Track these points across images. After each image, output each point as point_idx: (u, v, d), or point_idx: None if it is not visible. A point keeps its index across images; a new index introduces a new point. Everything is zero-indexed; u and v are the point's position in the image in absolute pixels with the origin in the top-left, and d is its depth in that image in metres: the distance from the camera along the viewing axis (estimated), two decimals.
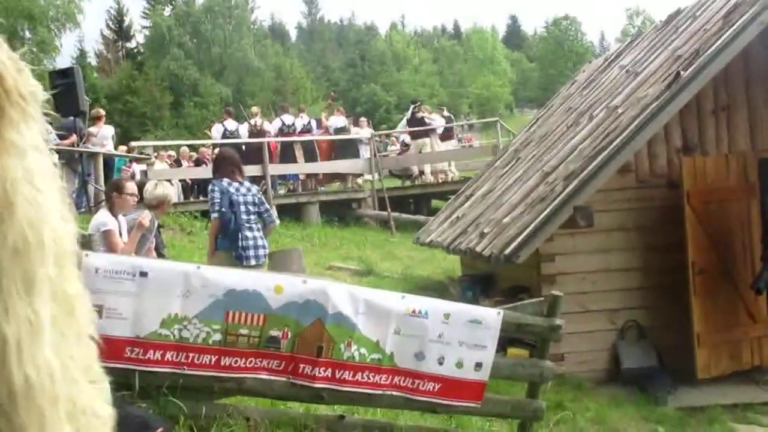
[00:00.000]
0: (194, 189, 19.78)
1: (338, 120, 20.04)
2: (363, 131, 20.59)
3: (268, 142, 17.77)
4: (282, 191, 19.38)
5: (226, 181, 7.26)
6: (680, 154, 8.88)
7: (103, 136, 14.88)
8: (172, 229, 13.74)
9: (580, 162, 8.80)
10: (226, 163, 7.49)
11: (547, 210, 8.39)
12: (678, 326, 8.57)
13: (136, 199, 7.23)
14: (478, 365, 4.93)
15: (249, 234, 7.11)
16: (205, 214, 15.05)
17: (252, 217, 7.22)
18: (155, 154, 18.34)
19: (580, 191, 8.39)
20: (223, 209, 7.08)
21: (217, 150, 19.10)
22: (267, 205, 7.48)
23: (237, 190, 7.22)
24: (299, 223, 16.71)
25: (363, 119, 23.06)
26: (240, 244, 7.04)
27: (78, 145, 13.62)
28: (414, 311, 4.73)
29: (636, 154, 8.79)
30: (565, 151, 9.63)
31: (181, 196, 18.18)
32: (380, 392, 4.71)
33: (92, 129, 14.59)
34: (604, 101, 10.41)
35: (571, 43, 79.43)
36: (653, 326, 8.86)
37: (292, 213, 16.63)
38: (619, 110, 9.31)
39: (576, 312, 8.35)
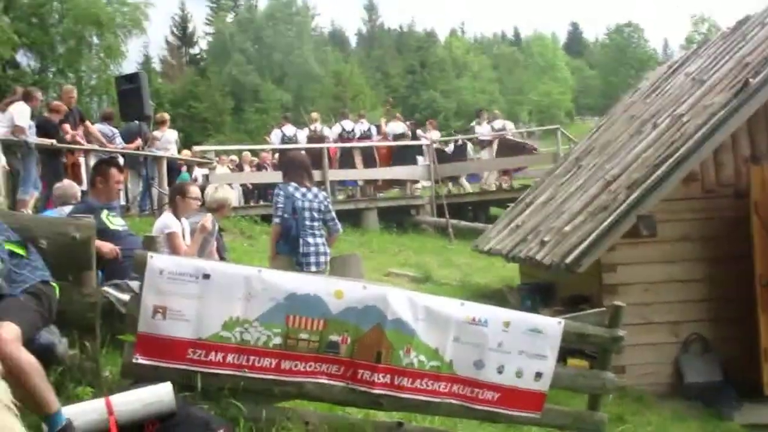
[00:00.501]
0: (255, 193, 20.03)
1: (397, 126, 20.05)
2: (431, 134, 20.58)
3: (328, 148, 17.87)
4: (341, 197, 19.47)
5: (293, 185, 7.22)
6: (748, 163, 8.68)
7: (167, 141, 15.12)
8: (233, 233, 13.89)
9: (644, 171, 8.67)
10: (295, 167, 7.45)
11: (610, 219, 8.28)
12: (744, 340, 8.36)
13: (199, 203, 7.33)
14: (538, 375, 4.87)
15: (311, 240, 7.08)
16: (266, 218, 15.21)
17: (316, 223, 7.16)
18: (217, 158, 18.58)
19: (644, 200, 8.27)
20: (285, 215, 7.06)
21: (277, 155, 19.35)
22: (333, 213, 7.39)
23: (303, 195, 7.18)
24: (358, 229, 16.75)
25: (432, 121, 23.03)
26: (301, 250, 7.01)
27: (142, 149, 13.88)
28: (473, 319, 4.68)
29: (702, 163, 8.62)
30: (628, 160, 9.49)
31: (242, 201, 18.41)
32: (439, 400, 4.67)
33: (156, 133, 14.85)
34: (668, 109, 10.24)
35: (634, 51, 78.28)
36: (718, 339, 8.66)
37: (350, 219, 16.66)
38: (685, 118, 9.14)
39: (638, 323, 8.19)
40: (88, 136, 13.08)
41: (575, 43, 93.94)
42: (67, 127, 12.36)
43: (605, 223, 8.29)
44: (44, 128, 12.17)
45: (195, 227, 6.98)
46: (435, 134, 21.07)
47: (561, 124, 29.05)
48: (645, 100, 12.19)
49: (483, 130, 20.72)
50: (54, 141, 11.86)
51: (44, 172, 11.79)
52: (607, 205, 8.71)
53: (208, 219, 6.97)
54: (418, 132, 20.73)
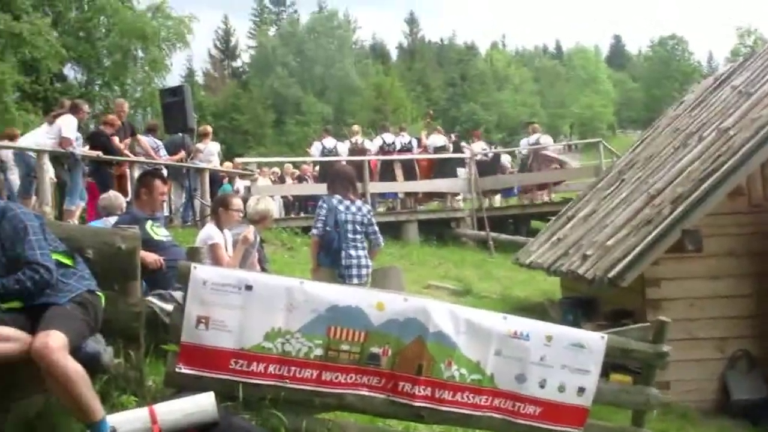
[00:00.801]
0: (295, 205, 20.14)
1: (438, 139, 20.04)
2: (476, 145, 20.51)
3: (369, 161, 17.91)
4: (381, 209, 19.49)
5: (336, 198, 7.24)
6: None
7: (210, 153, 15.29)
8: (274, 245, 13.96)
9: (689, 185, 8.56)
10: (341, 180, 7.47)
11: (654, 233, 8.19)
12: None
13: (241, 215, 7.39)
14: (581, 390, 4.81)
15: (353, 253, 7.10)
16: (306, 230, 15.23)
17: (358, 236, 7.18)
18: (259, 170, 18.72)
19: (689, 215, 8.17)
20: (327, 228, 7.09)
21: (317, 168, 19.45)
22: (375, 227, 7.41)
23: (347, 208, 7.20)
24: (398, 242, 16.74)
25: (477, 132, 23.01)
26: (343, 262, 7.03)
27: (186, 161, 14.06)
28: (515, 333, 4.65)
29: (749, 178, 8.51)
30: (673, 174, 9.38)
31: (282, 212, 18.51)
32: (480, 414, 4.64)
33: (199, 145, 15.02)
34: (714, 122, 10.11)
35: (678, 63, 77.50)
36: (765, 356, 8.50)
37: (390, 231, 16.63)
38: (731, 132, 9.01)
39: (682, 339, 8.04)
40: (135, 148, 13.29)
41: (618, 56, 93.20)
42: (116, 140, 12.58)
43: (649, 238, 8.20)
44: (97, 140, 12.40)
45: (237, 239, 7.03)
46: (480, 145, 20.97)
47: (603, 137, 28.81)
48: (690, 113, 12.04)
49: (524, 144, 20.62)
50: (101, 153, 12.07)
51: (93, 182, 12.02)
52: (651, 219, 8.61)
53: (250, 230, 7.01)
54: (462, 144, 20.69)
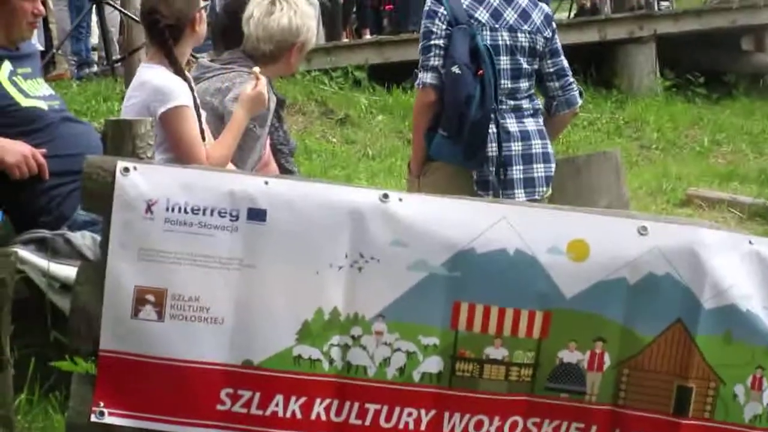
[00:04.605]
0: (351, 14, 20.02)
1: None
2: None
3: None
4: (560, 15, 19.24)
5: None
6: None
7: None
8: (303, 112, 13.97)
9: None
10: None
11: None
12: None
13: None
14: None
15: (513, 127, 6.92)
16: (380, 74, 15.28)
17: (523, 84, 6.99)
18: None
19: None
20: (454, 69, 6.87)
21: None
22: (563, 59, 7.18)
23: (495, 16, 6.98)
24: (608, 91, 16.57)
25: None
26: (491, 151, 6.85)
27: None
28: None
29: None
30: None
31: (322, 33, 18.45)
32: None
33: None
34: None
35: None
36: None
37: (587, 64, 16.45)
38: None
39: None
40: None
41: None
42: None
43: None
44: None
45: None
46: None
47: None
48: None
49: None
50: None
51: None
52: None
53: (259, 83, 6.96)
54: None
